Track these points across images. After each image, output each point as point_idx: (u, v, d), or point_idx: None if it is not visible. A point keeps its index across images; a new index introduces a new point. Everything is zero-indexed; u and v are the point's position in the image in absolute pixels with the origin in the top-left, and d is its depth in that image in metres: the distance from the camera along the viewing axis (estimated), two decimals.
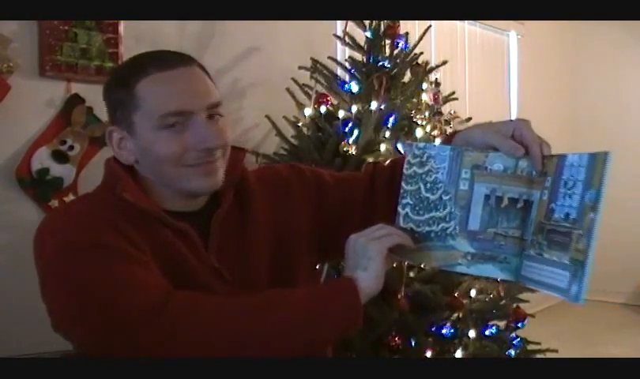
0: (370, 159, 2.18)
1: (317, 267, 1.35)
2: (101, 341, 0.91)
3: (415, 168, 1.03)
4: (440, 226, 0.99)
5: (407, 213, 1.02)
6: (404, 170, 1.04)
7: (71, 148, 2.24)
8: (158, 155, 1.01)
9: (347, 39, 2.56)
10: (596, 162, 0.87)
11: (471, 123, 1.84)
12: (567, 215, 0.88)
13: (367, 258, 0.97)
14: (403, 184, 1.04)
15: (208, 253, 1.04)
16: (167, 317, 0.89)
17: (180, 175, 1.02)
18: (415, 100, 2.50)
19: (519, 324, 2.42)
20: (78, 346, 0.99)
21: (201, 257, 1.03)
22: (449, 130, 2.54)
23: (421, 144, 1.04)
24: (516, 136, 0.97)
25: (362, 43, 2.53)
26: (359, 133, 2.30)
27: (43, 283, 0.97)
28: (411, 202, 1.02)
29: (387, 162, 1.23)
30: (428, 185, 1.01)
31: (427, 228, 1.00)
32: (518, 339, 2.43)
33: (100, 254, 0.94)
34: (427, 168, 1.02)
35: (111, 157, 1.09)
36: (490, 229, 0.96)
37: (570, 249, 0.86)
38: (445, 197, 1.00)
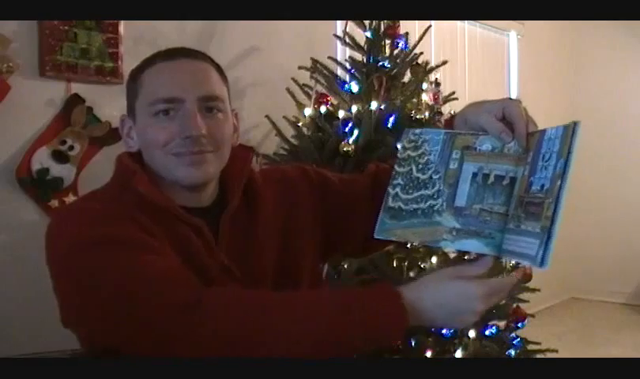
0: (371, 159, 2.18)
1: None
2: (128, 338, 0.91)
3: (409, 152, 1.05)
4: (428, 203, 1.00)
5: (397, 193, 1.04)
6: (398, 155, 1.06)
7: (71, 148, 2.24)
8: (148, 141, 1.04)
9: (347, 39, 2.56)
10: (567, 132, 0.89)
11: None
12: (542, 186, 0.89)
13: (461, 320, 0.93)
14: (395, 167, 1.05)
15: (218, 249, 1.05)
16: (200, 313, 0.88)
17: (167, 163, 1.03)
18: (415, 100, 2.50)
19: (519, 324, 2.42)
20: (95, 343, 0.97)
21: (212, 253, 1.03)
22: None
23: (417, 130, 1.06)
24: (505, 115, 0.98)
25: (362, 43, 2.53)
26: (359, 133, 2.30)
27: (59, 280, 0.96)
28: (401, 183, 1.04)
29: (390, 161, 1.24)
30: (420, 166, 1.03)
31: (415, 205, 1.01)
32: (518, 339, 2.43)
33: (125, 248, 0.93)
34: (420, 151, 1.04)
35: (123, 153, 1.09)
36: (475, 205, 0.97)
37: (541, 217, 0.87)
38: (435, 176, 1.01)
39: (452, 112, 2.73)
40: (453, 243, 0.98)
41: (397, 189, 1.04)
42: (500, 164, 0.97)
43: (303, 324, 0.90)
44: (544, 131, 0.94)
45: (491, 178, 0.97)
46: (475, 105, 1.04)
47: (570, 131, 0.88)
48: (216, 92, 1.05)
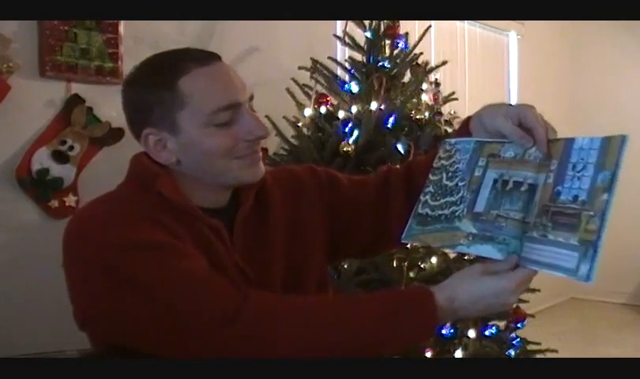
0: (371, 159, 2.18)
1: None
2: (159, 343, 0.90)
3: (442, 161, 1.08)
4: (451, 209, 1.02)
5: (426, 200, 1.07)
6: (434, 164, 1.09)
7: (71, 148, 2.24)
8: (208, 150, 1.00)
9: (347, 39, 2.56)
10: (611, 144, 0.88)
11: None
12: (576, 197, 0.89)
13: (493, 311, 0.98)
14: (430, 175, 1.09)
15: (233, 250, 1.04)
16: (241, 325, 0.88)
17: (230, 168, 1.02)
18: (415, 100, 2.50)
19: (519, 324, 2.42)
20: (114, 343, 0.96)
21: (229, 254, 1.03)
22: (449, 130, 2.54)
23: (452, 141, 1.09)
24: (522, 121, 0.99)
25: (362, 43, 2.53)
26: (359, 133, 2.30)
27: (82, 283, 0.94)
28: (432, 190, 1.07)
29: (403, 166, 1.24)
30: (449, 174, 1.06)
31: (440, 212, 1.04)
32: (518, 339, 2.43)
33: (156, 252, 0.92)
34: (452, 160, 1.07)
35: (140, 153, 1.06)
36: (493, 211, 0.97)
37: (579, 229, 0.86)
38: (460, 184, 1.03)
39: (452, 112, 2.74)
40: (468, 248, 0.98)
41: (427, 197, 1.07)
42: (520, 171, 0.98)
43: (343, 332, 0.92)
44: (572, 140, 0.94)
45: (510, 185, 0.98)
46: (492, 107, 1.05)
47: (615, 144, 0.88)
48: (252, 92, 1.06)
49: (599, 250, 0.84)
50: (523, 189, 0.96)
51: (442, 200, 1.04)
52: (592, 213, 0.86)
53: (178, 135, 1.00)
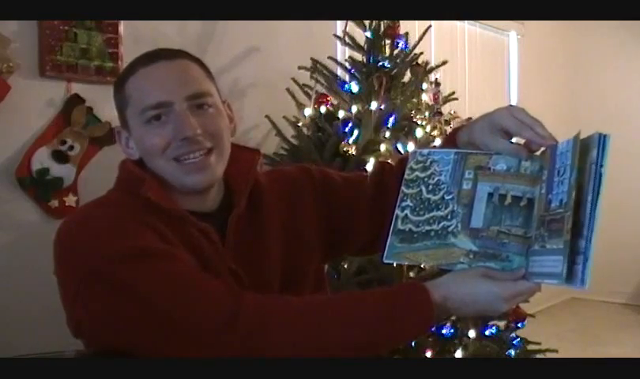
0: (371, 159, 2.18)
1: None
2: (171, 353, 0.90)
3: (417, 173, 1.03)
4: (441, 224, 0.98)
5: (406, 215, 1.01)
6: (406, 176, 1.04)
7: (71, 148, 2.24)
8: (147, 149, 1.03)
9: (347, 39, 2.56)
10: (576, 143, 0.88)
11: None
12: (561, 201, 0.87)
13: (485, 315, 0.97)
14: (403, 188, 1.03)
15: (225, 254, 1.04)
16: (242, 326, 0.88)
17: (171, 170, 1.02)
18: (415, 100, 2.51)
19: (519, 324, 2.43)
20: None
21: (221, 257, 1.02)
22: (449, 130, 2.55)
23: (425, 151, 1.04)
24: (505, 130, 0.98)
25: (362, 43, 2.54)
26: (359, 133, 2.30)
27: (78, 296, 0.93)
28: (411, 204, 1.01)
29: (396, 161, 1.23)
30: (430, 186, 1.01)
31: (427, 227, 0.98)
32: (518, 339, 2.43)
33: (158, 259, 0.92)
34: (429, 172, 1.02)
35: (126, 159, 1.08)
36: (493, 227, 0.95)
37: (563, 232, 0.85)
38: (447, 197, 0.99)
39: (452, 112, 2.74)
40: (470, 266, 0.95)
41: (407, 212, 1.01)
42: (517, 185, 0.96)
43: (341, 332, 0.92)
44: (555, 146, 0.93)
45: (508, 199, 0.95)
46: (477, 125, 1.03)
47: (578, 141, 0.87)
48: (202, 89, 1.04)
49: (588, 253, 0.82)
50: (522, 204, 0.94)
51: (428, 215, 0.99)
52: (569, 213, 0.84)
53: (131, 134, 1.06)
